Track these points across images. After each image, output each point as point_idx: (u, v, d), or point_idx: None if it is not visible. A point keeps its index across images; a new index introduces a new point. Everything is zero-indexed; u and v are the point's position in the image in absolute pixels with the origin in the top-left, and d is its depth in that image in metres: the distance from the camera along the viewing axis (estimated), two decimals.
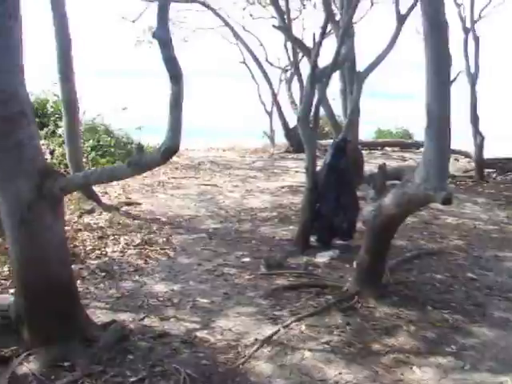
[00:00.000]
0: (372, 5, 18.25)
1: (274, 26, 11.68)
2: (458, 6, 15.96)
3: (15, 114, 4.85)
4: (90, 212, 10.76)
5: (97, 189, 11.66)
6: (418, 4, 7.11)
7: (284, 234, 9.69)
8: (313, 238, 8.96)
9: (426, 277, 7.71)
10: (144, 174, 14.35)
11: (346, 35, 9.65)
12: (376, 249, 6.79)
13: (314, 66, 8.63)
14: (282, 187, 13.66)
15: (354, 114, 10.78)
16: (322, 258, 8.27)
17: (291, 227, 9.87)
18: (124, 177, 5.84)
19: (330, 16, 9.14)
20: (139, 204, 11.70)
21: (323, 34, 8.61)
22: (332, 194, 8.72)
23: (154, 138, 19.89)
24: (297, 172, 15.41)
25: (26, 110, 4.97)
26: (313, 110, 8.59)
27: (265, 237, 9.55)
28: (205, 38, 22.61)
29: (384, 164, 7.55)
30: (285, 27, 13.09)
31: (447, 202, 5.51)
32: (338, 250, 8.56)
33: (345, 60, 10.87)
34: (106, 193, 12.43)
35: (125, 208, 11.31)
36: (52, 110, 16.11)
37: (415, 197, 5.87)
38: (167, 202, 11.98)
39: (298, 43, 13.75)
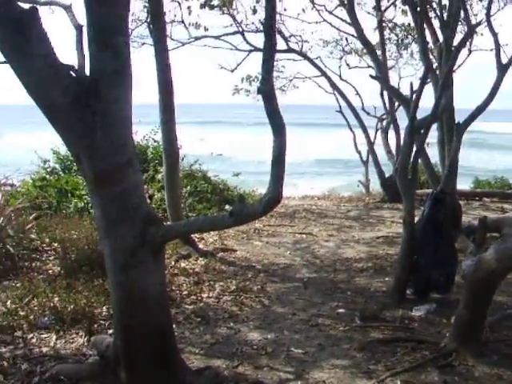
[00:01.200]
0: (470, 53, 18.04)
1: (370, 75, 11.70)
2: None
3: (123, 164, 5.07)
4: (187, 257, 11.00)
5: (193, 234, 11.89)
6: None
7: (379, 285, 9.57)
8: (409, 291, 8.79)
9: None
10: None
11: (445, 86, 9.58)
12: (475, 304, 6.60)
13: (413, 117, 8.61)
14: (378, 237, 13.51)
15: (453, 164, 10.59)
16: (419, 311, 8.10)
17: (387, 279, 9.75)
18: (225, 227, 5.97)
19: (429, 68, 9.09)
20: (235, 251, 11.86)
21: (422, 86, 8.58)
22: (430, 247, 8.56)
23: (249, 184, 20.33)
24: (392, 222, 15.23)
25: (132, 160, 5.19)
26: (411, 160, 8.52)
27: (360, 288, 9.46)
28: (302, 87, 22.93)
29: (485, 217, 7.36)
30: (382, 77, 13.13)
31: None
32: (434, 304, 8.35)
33: (443, 111, 10.77)
34: (203, 238, 12.66)
35: (220, 254, 11.50)
36: (152, 155, 16.65)
37: None
38: (262, 250, 12.07)
39: (394, 93, 13.76)
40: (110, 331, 6.78)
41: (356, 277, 10.14)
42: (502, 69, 11.39)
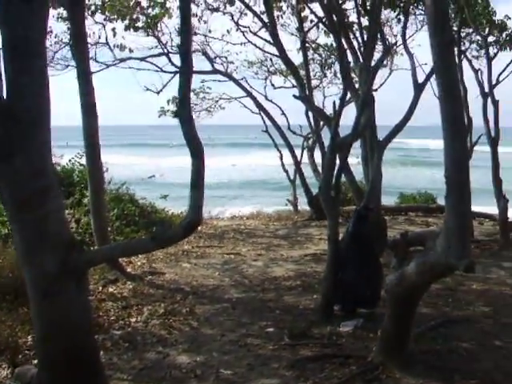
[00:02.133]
0: (391, 72, 18.55)
1: (294, 96, 11.88)
2: (476, 71, 16.18)
3: (43, 189, 4.98)
4: (114, 282, 10.84)
5: (121, 258, 11.74)
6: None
7: (308, 303, 9.64)
8: (336, 307, 8.90)
9: (452, 345, 7.59)
10: None
11: (365, 105, 9.81)
12: (400, 318, 6.74)
13: (334, 135, 8.77)
14: (306, 255, 13.63)
15: (375, 181, 10.83)
16: (346, 327, 8.20)
17: (315, 296, 9.82)
18: (147, 251, 5.93)
19: (347, 87, 9.28)
20: (163, 273, 11.76)
21: (342, 106, 8.76)
22: (354, 263, 8.70)
23: (178, 206, 20.24)
24: (320, 239, 15.39)
25: (53, 185, 5.12)
26: (334, 178, 8.67)
27: (288, 306, 9.51)
28: (228, 108, 23.00)
29: (406, 232, 7.55)
30: (305, 97, 13.34)
31: (470, 270, 5.50)
32: (362, 318, 8.47)
33: (364, 128, 11.01)
34: (131, 262, 12.51)
35: (149, 277, 11.39)
36: (78, 179, 16.42)
37: (437, 265, 5.87)
38: (191, 272, 12.01)
39: (318, 112, 13.99)
40: (35, 361, 6.59)
41: (284, 295, 10.19)
42: (417, 87, 11.76)
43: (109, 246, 7.02)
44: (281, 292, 10.40)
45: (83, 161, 16.93)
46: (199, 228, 17.22)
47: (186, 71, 4.56)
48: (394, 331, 6.80)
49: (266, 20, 15.89)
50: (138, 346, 7.65)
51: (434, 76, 10.23)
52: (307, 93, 16.34)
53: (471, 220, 5.91)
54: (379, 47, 13.98)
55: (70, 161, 17.18)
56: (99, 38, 17.63)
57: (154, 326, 8.46)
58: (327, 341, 7.76)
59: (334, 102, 9.69)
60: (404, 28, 12.48)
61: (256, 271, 12.06)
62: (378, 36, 12.24)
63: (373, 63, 11.85)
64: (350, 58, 13.89)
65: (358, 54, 13.71)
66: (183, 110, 4.51)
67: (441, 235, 5.77)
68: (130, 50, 18.17)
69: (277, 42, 14.88)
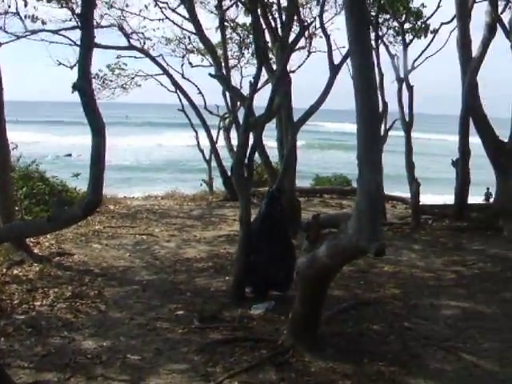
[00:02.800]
0: (309, 55, 18.53)
1: (210, 74, 11.65)
2: (392, 57, 16.36)
3: None
4: (20, 263, 10.41)
5: (28, 239, 11.31)
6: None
7: (220, 285, 9.50)
8: (248, 290, 8.81)
9: (363, 328, 7.63)
10: (77, 224, 14.04)
11: (280, 84, 9.67)
12: (310, 300, 6.68)
13: (248, 113, 8.59)
14: (219, 236, 13.49)
15: (288, 161, 10.73)
16: (257, 310, 8.11)
17: (227, 278, 9.70)
18: (46, 232, 5.62)
19: (261, 64, 9.11)
20: (72, 255, 11.38)
21: (256, 83, 8.60)
22: (266, 245, 8.60)
23: None
24: (234, 220, 15.24)
25: None
26: (247, 158, 8.51)
27: (200, 288, 9.35)
28: (144, 86, 22.41)
29: (318, 214, 7.49)
30: (221, 76, 13.10)
31: (380, 253, 5.46)
32: (273, 301, 8.41)
33: (279, 108, 10.90)
34: (38, 243, 12.05)
35: (57, 259, 10.99)
36: None
37: (348, 248, 5.82)
38: (101, 253, 11.67)
39: (234, 91, 13.79)
40: None
41: (196, 277, 10.02)
42: (333, 69, 11.72)
43: (5, 227, 6.65)
44: (192, 274, 10.23)
45: None
46: (111, 207, 16.88)
47: (86, 41, 4.28)
48: (305, 314, 6.74)
49: None
50: (42, 331, 7.34)
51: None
52: (224, 72, 16.12)
53: (383, 203, 5.82)
54: (298, 29, 13.89)
55: None
56: (9, 7, 16.80)
57: (59, 310, 8.14)
58: (238, 324, 7.65)
59: (251, 82, 9.56)
60: (322, 8, 12.40)
61: (168, 252, 11.85)
62: (296, 17, 12.15)
63: None
64: (268, 38, 13.80)
65: (276, 34, 13.58)
66: (84, 82, 4.24)
67: (352, 218, 5.71)
68: (43, 22, 17.34)
69: (194, 19, 14.57)
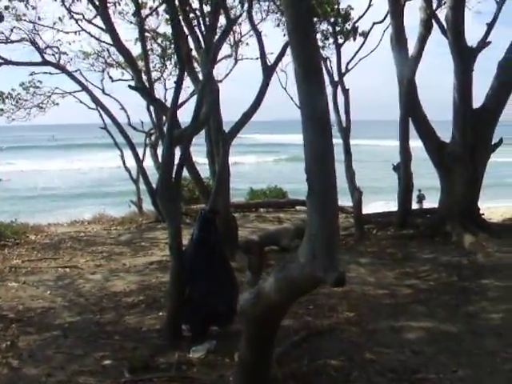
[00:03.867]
0: (236, 62, 17.58)
1: (130, 86, 10.46)
2: (325, 60, 15.54)
3: None
4: None
5: None
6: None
7: (152, 323, 8.30)
8: (185, 327, 7.66)
9: (320, 364, 6.60)
10: None
11: (206, 90, 8.59)
12: (258, 341, 5.59)
13: (171, 126, 7.44)
14: (151, 263, 12.29)
15: (222, 177, 9.67)
16: (197, 352, 6.95)
17: (161, 313, 8.52)
18: None
19: (183, 65, 8.00)
20: None
21: (178, 91, 7.47)
22: (202, 274, 7.46)
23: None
24: (167, 244, 14.09)
25: None
26: (174, 176, 7.34)
27: (130, 329, 8.12)
28: (63, 104, 20.87)
29: (258, 244, 6.43)
30: (142, 87, 11.90)
31: (340, 283, 4.45)
32: (215, 340, 7.28)
33: (208, 119, 9.83)
34: None
35: None
36: None
37: (300, 280, 4.77)
38: (18, 293, 10.31)
39: (157, 103, 12.60)
40: None
41: (126, 315, 8.77)
42: (267, 69, 10.73)
43: None
44: (121, 311, 8.99)
45: None
46: (32, 238, 15.48)
47: None
48: (253, 357, 5.64)
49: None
50: None
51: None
52: (147, 85, 14.93)
53: (337, 223, 4.76)
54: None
55: None
56: None
57: None
58: (175, 372, 6.48)
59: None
60: (249, 7, 11.39)
61: (94, 287, 10.57)
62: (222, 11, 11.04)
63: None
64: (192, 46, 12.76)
65: (201, 39, 12.50)
66: None
67: (303, 243, 4.68)
68: None
69: (110, 29, 13.29)
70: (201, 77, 12.16)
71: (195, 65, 13.97)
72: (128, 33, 12.93)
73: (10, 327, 8.37)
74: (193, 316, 7.50)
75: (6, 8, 16.25)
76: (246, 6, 11.75)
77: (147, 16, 16.97)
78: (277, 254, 12.37)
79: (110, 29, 13.66)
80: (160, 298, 9.44)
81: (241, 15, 12.02)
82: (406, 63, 14.15)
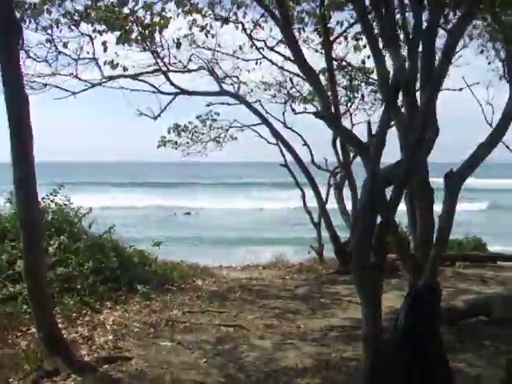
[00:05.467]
0: None
1: (315, 113, 8.53)
2: None
3: None
4: (52, 374, 7.62)
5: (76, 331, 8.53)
6: None
7: None
8: None
9: None
10: (152, 307, 11.19)
11: (426, 114, 6.25)
12: None
13: (374, 168, 5.27)
14: (331, 329, 10.11)
15: (444, 234, 7.18)
16: None
17: None
18: None
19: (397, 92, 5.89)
20: (129, 359, 8.38)
21: (387, 125, 5.30)
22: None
23: (180, 254, 17.10)
24: (350, 302, 11.90)
25: None
26: (375, 236, 5.11)
27: None
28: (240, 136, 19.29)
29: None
30: (327, 114, 9.75)
31: None
32: None
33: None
34: (90, 339, 9.17)
35: (105, 367, 8.00)
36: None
37: None
38: (169, 356, 8.58)
39: (348, 136, 10.43)
40: None
41: None
42: None
43: None
44: None
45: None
46: (199, 282, 13.98)
47: None
48: None
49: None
50: None
51: None
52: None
53: None
54: None
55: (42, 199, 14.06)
56: (88, 53, 14.48)
57: None
58: None
59: (369, 122, 6.52)
60: None
61: (259, 358, 8.54)
62: None
63: None
64: None
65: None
66: None
67: None
68: (124, 69, 14.95)
69: (294, 49, 11.40)
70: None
71: None
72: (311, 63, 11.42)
73: None
74: None
75: (185, 36, 15.24)
76: None
77: (335, 39, 15.12)
78: (487, 328, 9.85)
79: (295, 50, 11.79)
80: None
81: None
82: None
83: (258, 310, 11.60)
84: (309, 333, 9.95)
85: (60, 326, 9.55)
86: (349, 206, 16.59)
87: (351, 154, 15.99)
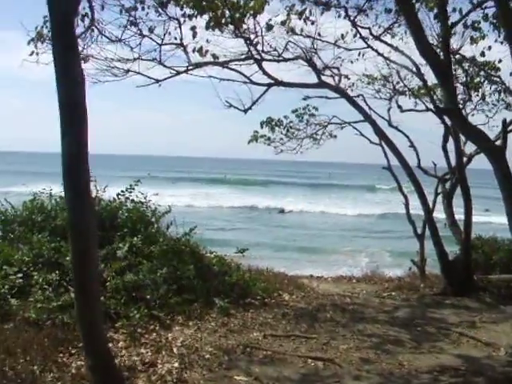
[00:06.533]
0: None
1: (436, 107, 6.79)
2: None
3: None
4: None
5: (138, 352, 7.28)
6: None
7: None
8: None
9: None
10: (230, 326, 9.70)
11: None
12: None
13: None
14: (441, 371, 8.23)
15: None
16: None
17: None
18: None
19: None
20: None
21: None
22: None
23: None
24: (461, 335, 10.02)
25: None
26: None
27: None
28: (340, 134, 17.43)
29: None
30: (454, 108, 7.94)
31: None
32: None
33: None
34: (153, 364, 7.78)
35: None
36: (124, 220, 12.31)
37: None
38: None
39: (476, 134, 8.50)
40: None
41: None
42: None
43: None
44: None
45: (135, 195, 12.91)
46: (286, 297, 12.35)
47: None
48: None
49: None
50: None
51: None
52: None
53: None
54: None
55: (117, 195, 12.86)
56: (175, 38, 13.10)
57: None
58: None
59: (505, 121, 4.86)
60: None
61: None
62: None
63: None
64: None
65: None
66: None
67: None
68: (214, 56, 13.50)
69: (413, 24, 9.51)
70: None
71: None
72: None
73: None
74: None
75: (283, 23, 13.59)
76: None
77: (453, 26, 13.06)
78: None
79: (416, 29, 9.86)
80: None
81: None
82: None
83: (351, 337, 9.85)
84: (413, 374, 8.13)
85: (121, 343, 8.26)
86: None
87: (464, 159, 14.08)
